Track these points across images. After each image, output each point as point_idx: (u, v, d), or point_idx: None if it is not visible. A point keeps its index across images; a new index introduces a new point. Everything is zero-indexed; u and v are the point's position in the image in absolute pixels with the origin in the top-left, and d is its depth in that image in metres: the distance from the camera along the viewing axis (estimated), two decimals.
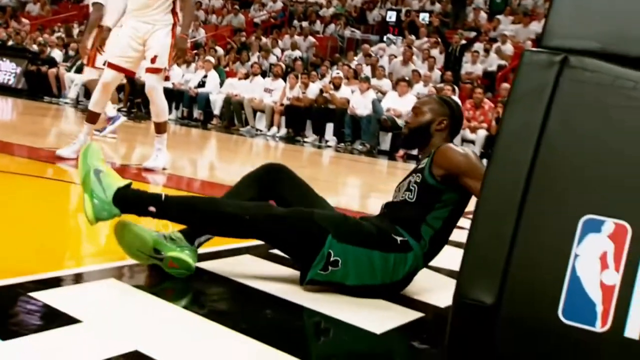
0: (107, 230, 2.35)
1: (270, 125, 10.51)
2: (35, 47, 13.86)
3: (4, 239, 2.21)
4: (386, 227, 2.03)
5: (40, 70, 12.83)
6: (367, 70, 11.14)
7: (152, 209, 1.89)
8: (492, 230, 1.35)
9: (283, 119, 10.42)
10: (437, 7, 14.49)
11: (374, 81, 10.44)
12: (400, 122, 9.27)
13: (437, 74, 10.75)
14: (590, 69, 1.28)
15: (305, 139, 10.03)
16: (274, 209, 1.96)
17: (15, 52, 13.63)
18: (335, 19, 14.96)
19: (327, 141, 9.91)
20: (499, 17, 13.05)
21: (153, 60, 4.27)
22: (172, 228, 2.05)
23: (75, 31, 14.56)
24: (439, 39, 11.81)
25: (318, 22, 15.11)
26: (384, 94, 10.16)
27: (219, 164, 4.83)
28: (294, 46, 13.20)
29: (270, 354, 1.48)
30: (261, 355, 1.47)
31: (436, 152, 2.07)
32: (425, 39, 12.46)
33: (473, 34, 11.72)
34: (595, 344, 1.20)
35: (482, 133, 8.93)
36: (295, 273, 2.11)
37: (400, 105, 9.42)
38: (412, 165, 8.24)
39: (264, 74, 11.58)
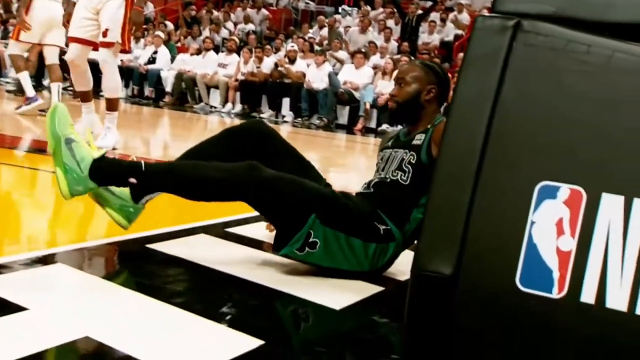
0: (54, 214, 2.26)
1: (225, 101, 10.34)
2: None
3: None
4: (369, 213, 1.93)
5: None
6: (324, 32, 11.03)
7: (132, 180, 1.76)
8: (449, 200, 1.34)
9: (238, 94, 10.26)
10: None
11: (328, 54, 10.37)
12: (357, 94, 9.25)
13: (393, 45, 10.74)
14: (543, 33, 1.26)
15: (262, 115, 9.91)
16: (263, 172, 1.81)
17: None
18: None
19: (283, 116, 9.82)
20: None
21: (105, 34, 4.10)
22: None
23: (14, 6, 13.97)
24: (395, 10, 11.78)
25: None
26: (342, 62, 10.11)
27: (172, 142, 4.72)
28: (247, 19, 12.97)
29: (227, 334, 1.44)
30: (218, 337, 1.43)
31: (436, 130, 1.94)
32: (381, 9, 12.42)
33: (429, 3, 11.70)
34: (552, 310, 1.20)
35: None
36: (252, 252, 2.07)
37: (356, 77, 9.38)
38: (371, 139, 8.36)
39: (216, 49, 11.36)
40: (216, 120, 9.03)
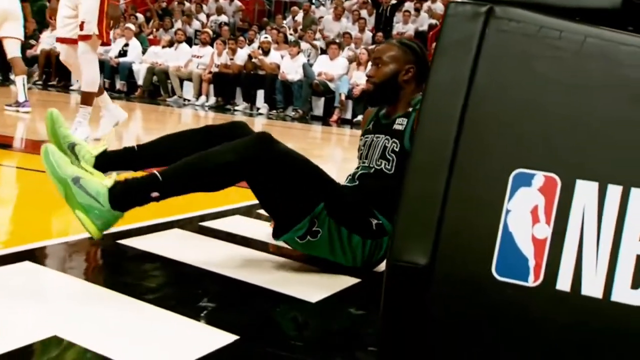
0: (19, 210, 2.20)
1: (198, 94, 10.23)
2: None
3: None
4: (364, 208, 1.88)
5: None
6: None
7: (155, 194, 1.67)
8: (423, 189, 1.32)
9: (212, 87, 10.16)
10: None
11: (304, 45, 10.31)
12: (332, 85, 9.21)
13: (368, 35, 10.72)
14: (515, 19, 1.25)
15: (236, 107, 9.83)
16: (275, 144, 1.73)
17: None
18: None
19: (258, 108, 9.75)
20: None
21: (81, 27, 4.04)
22: (94, 147, 1.93)
23: None
24: (369, 0, 11.75)
25: None
26: (316, 49, 10.06)
27: (146, 137, 4.65)
28: (220, 11, 12.83)
29: (201, 330, 1.41)
30: (192, 333, 1.40)
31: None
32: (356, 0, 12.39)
33: None
34: (528, 298, 1.19)
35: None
36: (227, 246, 2.04)
37: (331, 68, 9.35)
38: (346, 130, 8.35)
39: (189, 41, 11.21)
40: (190, 113, 8.94)
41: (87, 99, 4.21)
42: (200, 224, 2.34)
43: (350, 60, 9.51)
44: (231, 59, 10.03)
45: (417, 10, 11.54)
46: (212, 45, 10.50)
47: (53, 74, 11.02)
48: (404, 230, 1.33)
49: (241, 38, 10.63)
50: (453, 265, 1.27)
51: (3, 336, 1.28)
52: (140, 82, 10.63)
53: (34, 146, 4.15)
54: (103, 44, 4.22)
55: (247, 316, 1.54)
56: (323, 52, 10.13)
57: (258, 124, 8.26)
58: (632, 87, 1.15)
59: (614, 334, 1.13)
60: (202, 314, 1.50)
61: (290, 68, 9.49)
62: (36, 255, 1.79)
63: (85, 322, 1.39)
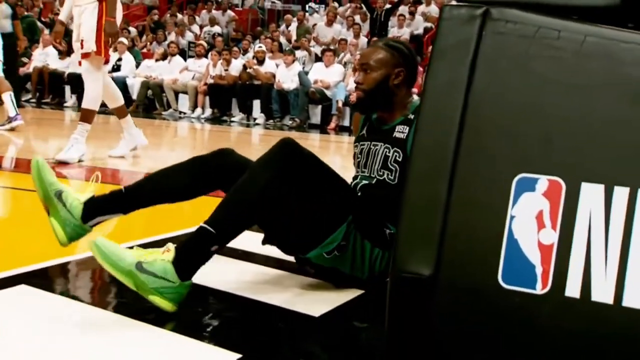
0: (14, 232, 2.17)
1: (194, 106, 10.20)
2: None
3: None
4: (377, 218, 1.83)
5: None
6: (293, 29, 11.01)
7: (214, 248, 1.59)
8: (425, 197, 1.29)
9: (207, 99, 10.13)
10: None
11: (299, 53, 10.30)
12: (329, 93, 9.19)
13: (363, 40, 10.71)
14: (512, 20, 1.22)
15: (233, 119, 9.79)
16: (303, 149, 1.69)
17: None
18: None
19: (255, 119, 9.71)
20: None
21: (82, 45, 4.05)
22: (81, 193, 1.82)
23: None
24: (362, 5, 11.75)
25: None
26: (310, 54, 10.05)
27: (143, 151, 4.61)
28: (213, 21, 12.82)
29: (203, 349, 1.38)
30: (194, 352, 1.36)
31: None
32: (349, 5, 12.39)
33: None
34: (536, 306, 1.16)
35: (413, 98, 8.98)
36: (226, 262, 2.00)
37: (327, 75, 9.33)
38: (345, 138, 8.30)
39: (182, 53, 11.19)
40: (186, 126, 8.91)
41: (87, 116, 4.18)
42: None
43: (346, 65, 9.50)
44: (226, 70, 10.01)
45: (412, 13, 11.54)
46: (207, 57, 10.49)
47: (46, 91, 10.99)
48: (406, 240, 1.30)
49: (235, 48, 10.61)
50: (458, 275, 1.23)
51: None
52: (134, 96, 10.60)
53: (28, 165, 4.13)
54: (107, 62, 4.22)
55: (249, 333, 1.51)
56: (318, 58, 10.11)
57: (255, 135, 8.24)
58: (634, 86, 1.12)
59: (627, 341, 1.09)
60: (204, 333, 1.47)
61: (286, 77, 9.47)
62: (32, 278, 1.76)
63: (85, 345, 1.36)
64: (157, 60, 10.79)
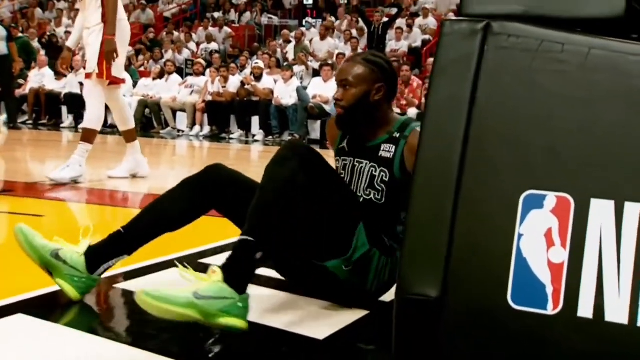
0: (10, 262, 2.13)
1: (192, 124, 10.19)
2: None
3: None
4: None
5: None
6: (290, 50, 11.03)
7: (259, 255, 1.54)
8: (430, 217, 1.26)
9: (205, 116, 10.12)
10: None
11: (296, 68, 10.31)
12: (328, 108, 9.18)
13: None
14: (515, 34, 1.20)
15: (231, 136, 9.78)
16: (309, 147, 1.70)
17: None
18: (250, 6, 14.67)
19: (254, 135, 9.70)
20: None
21: (84, 66, 4.13)
22: (76, 245, 1.78)
23: None
24: (358, 19, 11.79)
25: (232, 11, 14.76)
26: (309, 69, 10.07)
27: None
28: (210, 38, 12.84)
29: None
30: None
31: (410, 144, 1.76)
32: (346, 19, 12.43)
33: (394, 10, 11.73)
34: (548, 328, 1.12)
35: (412, 111, 8.96)
36: None
37: (325, 90, 9.32)
38: None
39: (179, 71, 11.19)
40: (185, 144, 8.89)
41: (87, 136, 4.17)
42: (200, 261, 2.27)
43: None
44: (223, 87, 10.01)
45: (410, 26, 11.57)
46: (204, 75, 10.49)
47: (43, 112, 10.97)
48: (411, 260, 1.26)
49: (233, 65, 10.61)
50: (466, 296, 1.20)
51: None
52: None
53: (26, 189, 4.09)
54: (112, 83, 4.21)
55: (253, 359, 1.47)
56: (316, 73, 10.12)
57: (254, 152, 8.22)
58: None
59: None
60: (206, 359, 1.43)
61: (284, 92, 9.47)
62: (29, 307, 1.72)
63: None
64: (154, 79, 10.78)
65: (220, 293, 1.46)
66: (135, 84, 10.99)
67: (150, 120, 10.53)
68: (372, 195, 1.82)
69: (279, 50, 11.59)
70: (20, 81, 10.84)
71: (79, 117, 10.21)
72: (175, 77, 10.67)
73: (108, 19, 4.01)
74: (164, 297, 1.41)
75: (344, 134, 1.97)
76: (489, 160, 1.21)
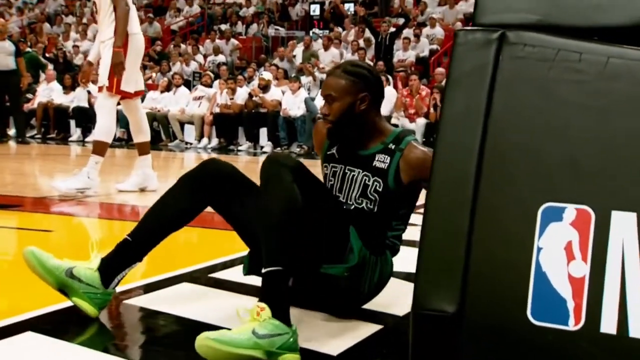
0: (19, 278, 2.11)
1: (200, 136, 10.20)
2: None
3: None
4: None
5: None
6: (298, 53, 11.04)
7: (291, 282, 1.59)
8: (446, 231, 1.23)
9: (213, 128, 10.13)
10: None
11: (303, 79, 10.32)
12: None
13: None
14: (530, 44, 1.17)
15: (239, 148, 9.78)
16: (288, 159, 1.71)
17: None
18: (256, 18, 14.71)
19: (262, 147, 9.69)
20: (425, 0, 13.09)
21: (94, 79, 4.23)
22: (88, 261, 1.77)
23: None
24: (364, 29, 11.80)
25: (239, 23, 14.81)
26: (317, 80, 10.09)
27: None
28: (217, 51, 12.87)
29: None
30: None
31: (407, 156, 1.78)
32: (353, 30, 12.43)
33: (401, 20, 11.73)
34: (570, 344, 1.09)
35: (421, 121, 8.93)
36: (237, 299, 1.94)
37: None
38: None
39: (187, 84, 11.22)
40: (193, 156, 8.89)
41: (98, 148, 4.18)
42: (210, 275, 2.25)
43: None
44: (231, 99, 10.02)
45: (417, 36, 11.55)
46: (211, 87, 10.51)
47: (52, 126, 11.01)
48: (427, 275, 1.24)
49: (240, 77, 10.63)
50: (484, 312, 1.17)
51: None
52: None
53: (35, 204, 4.09)
54: (124, 97, 4.25)
55: None
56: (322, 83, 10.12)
57: None
58: None
59: None
60: None
61: (292, 104, 9.47)
62: (38, 324, 1.70)
63: None
64: (162, 91, 10.81)
65: (277, 330, 1.48)
66: (143, 97, 11.02)
67: (159, 133, 10.53)
68: (364, 204, 1.82)
69: (286, 57, 11.62)
70: (29, 95, 10.90)
71: (87, 130, 10.26)
72: (183, 89, 10.70)
73: (117, 31, 4.04)
74: (228, 342, 1.43)
75: (337, 143, 1.97)
76: (506, 172, 1.19)
